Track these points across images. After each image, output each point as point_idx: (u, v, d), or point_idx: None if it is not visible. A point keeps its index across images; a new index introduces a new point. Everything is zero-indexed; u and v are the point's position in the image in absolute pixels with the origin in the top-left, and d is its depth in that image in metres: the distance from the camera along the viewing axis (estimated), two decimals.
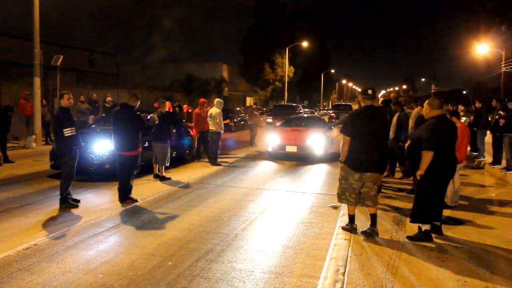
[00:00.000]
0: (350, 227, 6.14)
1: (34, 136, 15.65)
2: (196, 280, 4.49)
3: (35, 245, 5.50)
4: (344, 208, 7.34)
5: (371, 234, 5.94)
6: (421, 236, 5.80)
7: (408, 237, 5.89)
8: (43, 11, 15.69)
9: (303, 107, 42.81)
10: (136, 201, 7.78)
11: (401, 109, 10.22)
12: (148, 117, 8.24)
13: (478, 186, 9.75)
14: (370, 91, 6.00)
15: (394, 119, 10.00)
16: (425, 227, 5.81)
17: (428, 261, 5.09)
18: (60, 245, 5.52)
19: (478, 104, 14.00)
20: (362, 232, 6.03)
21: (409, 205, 7.39)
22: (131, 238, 5.90)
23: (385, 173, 10.21)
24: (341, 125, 13.00)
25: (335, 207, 7.59)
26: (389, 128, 7.98)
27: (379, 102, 11.21)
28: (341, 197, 6.12)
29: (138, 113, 8.13)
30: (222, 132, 12.46)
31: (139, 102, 7.90)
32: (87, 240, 5.74)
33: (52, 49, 27.87)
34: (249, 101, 53.26)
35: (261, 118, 23.00)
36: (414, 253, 5.32)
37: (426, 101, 5.93)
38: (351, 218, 6.17)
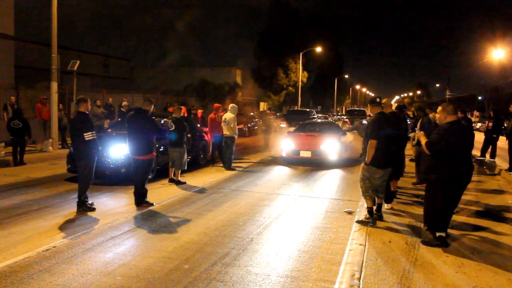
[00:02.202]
0: (372, 220, 6.81)
1: (50, 140, 15.87)
2: (212, 283, 4.54)
3: (54, 247, 5.59)
4: (358, 214, 7.37)
5: (380, 217, 6.99)
6: (436, 242, 5.78)
7: (423, 242, 5.89)
8: (59, 17, 15.89)
9: (317, 112, 42.77)
10: (152, 204, 7.87)
11: (424, 114, 10.22)
12: (162, 122, 8.33)
13: (494, 193, 9.67)
14: (378, 99, 7.10)
15: (418, 125, 10.05)
16: (439, 233, 5.78)
17: (444, 267, 5.07)
18: (78, 247, 5.61)
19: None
20: (374, 218, 6.88)
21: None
22: (147, 241, 5.98)
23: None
24: (355, 130, 13.09)
25: (350, 212, 7.59)
26: (403, 131, 8.04)
27: (393, 108, 11.21)
28: (365, 194, 6.96)
29: (152, 117, 8.24)
30: (236, 137, 12.53)
31: (153, 107, 8.02)
32: (104, 242, 5.83)
33: (67, 54, 28.19)
34: (262, 106, 53.31)
35: (275, 123, 23.02)
36: (430, 259, 5.31)
37: (440, 108, 5.90)
38: (371, 210, 6.91)
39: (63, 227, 6.54)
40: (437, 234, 5.77)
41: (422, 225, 6.54)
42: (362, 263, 5.14)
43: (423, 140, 5.83)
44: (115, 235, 6.17)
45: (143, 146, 7.76)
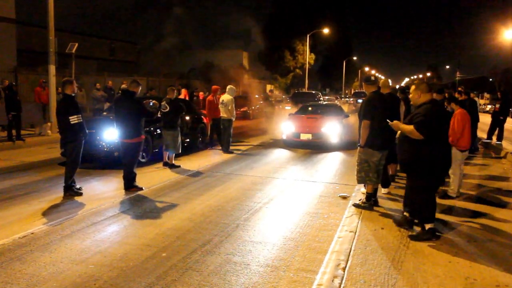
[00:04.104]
0: (368, 204, 6.50)
1: (49, 124, 15.67)
2: (188, 273, 4.30)
3: (32, 233, 5.39)
4: (353, 199, 7.10)
5: (376, 202, 6.65)
6: (425, 235, 5.29)
7: (411, 237, 5.35)
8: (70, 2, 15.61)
9: (324, 94, 42.20)
10: (141, 189, 7.64)
11: None
12: (151, 104, 8.06)
13: (498, 177, 9.31)
14: (372, 78, 6.82)
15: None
16: (429, 225, 5.32)
17: (437, 256, 4.79)
18: (56, 234, 5.40)
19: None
20: (370, 203, 6.54)
21: None
22: (129, 227, 5.75)
23: None
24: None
25: (344, 197, 7.31)
26: (399, 113, 7.66)
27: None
28: (365, 179, 6.55)
29: (146, 100, 8.01)
30: (234, 119, 12.23)
31: (140, 88, 7.74)
32: (84, 229, 5.61)
33: (74, 37, 27.92)
34: (269, 88, 52.82)
35: (278, 106, 22.66)
36: (422, 248, 5.01)
37: (413, 86, 5.51)
38: (370, 196, 6.56)
39: (46, 213, 6.33)
40: (427, 226, 5.33)
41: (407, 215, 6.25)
42: (350, 251, 4.86)
43: (407, 127, 5.22)
44: (97, 220, 5.95)
45: (131, 129, 7.50)
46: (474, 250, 4.98)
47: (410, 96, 5.58)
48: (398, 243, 5.15)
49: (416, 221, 5.59)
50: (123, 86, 17.24)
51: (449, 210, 6.56)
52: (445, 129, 5.50)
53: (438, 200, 6.94)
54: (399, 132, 5.55)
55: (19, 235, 5.30)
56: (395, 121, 5.59)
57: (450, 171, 7.11)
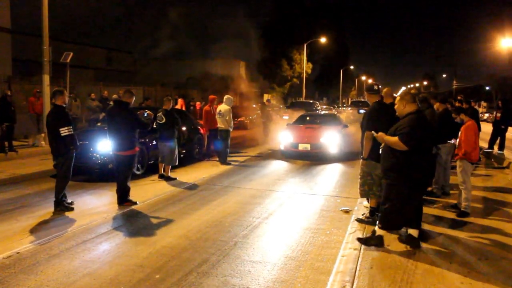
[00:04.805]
0: (372, 220, 6.19)
1: (43, 134, 15.36)
2: None
3: (18, 253, 5.10)
4: (355, 213, 6.83)
5: None
6: (372, 241, 5.29)
7: (359, 239, 5.43)
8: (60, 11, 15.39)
9: (321, 103, 42.02)
10: (135, 203, 7.35)
11: (427, 106, 9.54)
12: (145, 114, 7.77)
13: (504, 188, 9.04)
14: (376, 87, 6.47)
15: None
16: (381, 232, 5.25)
17: (448, 276, 4.51)
18: (44, 254, 5.10)
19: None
20: (374, 219, 6.15)
21: (430, 211, 6.82)
22: (121, 245, 5.45)
23: None
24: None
25: (347, 211, 7.02)
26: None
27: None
28: (368, 193, 6.30)
29: (140, 111, 7.74)
30: (231, 129, 11.97)
31: (134, 98, 7.47)
32: (74, 247, 5.31)
33: (71, 47, 27.70)
34: (266, 98, 52.64)
35: (276, 115, 22.42)
36: (432, 267, 4.73)
37: (398, 97, 5.42)
38: (374, 210, 6.26)
39: (34, 230, 6.03)
40: (378, 232, 5.25)
41: (425, 226, 5.98)
42: (355, 271, 4.58)
43: (392, 139, 5.11)
44: (88, 238, 5.65)
45: (124, 141, 7.21)
46: (486, 269, 4.70)
47: (396, 107, 5.43)
48: (405, 262, 4.87)
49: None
50: (114, 96, 16.93)
51: (457, 225, 6.28)
52: (431, 140, 5.38)
53: (455, 216, 6.70)
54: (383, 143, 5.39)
55: (3, 255, 5.01)
56: (380, 133, 5.39)
57: (462, 186, 6.81)
